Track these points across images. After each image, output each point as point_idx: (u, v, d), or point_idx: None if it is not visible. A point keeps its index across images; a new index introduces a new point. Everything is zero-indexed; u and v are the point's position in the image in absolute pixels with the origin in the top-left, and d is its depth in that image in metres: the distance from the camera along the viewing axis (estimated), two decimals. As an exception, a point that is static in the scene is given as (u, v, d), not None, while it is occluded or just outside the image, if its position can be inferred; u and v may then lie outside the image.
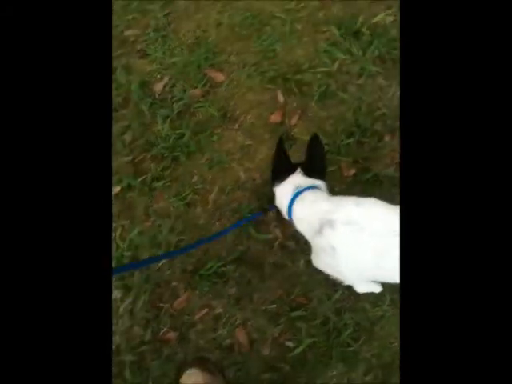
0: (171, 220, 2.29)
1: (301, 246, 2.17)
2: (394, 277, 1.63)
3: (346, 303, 2.06)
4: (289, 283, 2.12)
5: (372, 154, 2.29)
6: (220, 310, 2.12)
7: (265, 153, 2.39)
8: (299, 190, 1.79)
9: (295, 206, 1.77)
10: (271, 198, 2.27)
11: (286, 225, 2.22)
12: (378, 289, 1.95)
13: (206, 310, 2.12)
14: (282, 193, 1.84)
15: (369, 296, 2.05)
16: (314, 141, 1.85)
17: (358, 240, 1.60)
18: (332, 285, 2.07)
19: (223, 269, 2.16)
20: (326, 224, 1.64)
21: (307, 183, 1.80)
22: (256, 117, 2.46)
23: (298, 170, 1.84)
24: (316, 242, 1.72)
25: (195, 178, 2.37)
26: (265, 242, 2.19)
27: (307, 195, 1.76)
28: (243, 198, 2.31)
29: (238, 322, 2.09)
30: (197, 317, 2.12)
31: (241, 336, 2.07)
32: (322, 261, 1.79)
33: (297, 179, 1.82)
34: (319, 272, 2.08)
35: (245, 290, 2.13)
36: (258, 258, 2.18)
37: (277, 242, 2.18)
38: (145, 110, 2.52)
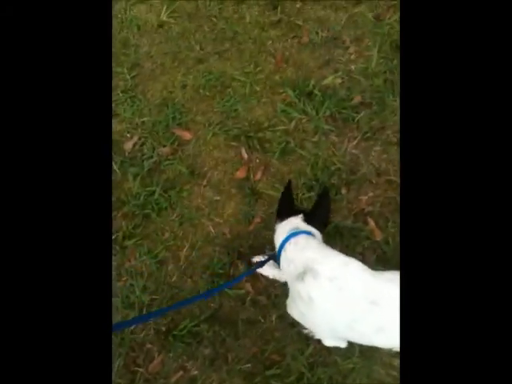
0: (143, 279, 1.74)
1: (272, 301, 1.69)
2: (366, 340, 1.29)
3: (319, 357, 1.58)
4: (262, 340, 1.62)
5: (331, 206, 1.84)
6: (195, 372, 1.59)
7: (233, 207, 1.89)
8: (295, 231, 1.41)
9: (288, 246, 1.37)
10: (241, 252, 1.80)
11: (256, 279, 1.73)
12: (343, 344, 1.48)
13: (181, 373, 1.59)
14: (280, 230, 1.45)
15: (339, 349, 1.58)
16: (324, 194, 1.50)
17: (335, 298, 1.23)
18: (305, 339, 1.60)
19: (197, 328, 1.63)
20: (309, 272, 1.27)
21: (304, 228, 1.43)
22: (223, 173, 1.96)
23: (301, 215, 1.46)
24: (296, 288, 1.30)
25: (166, 235, 1.83)
26: (237, 297, 1.69)
27: (300, 239, 1.39)
28: (214, 253, 1.79)
29: (214, 383, 1.57)
30: (172, 380, 1.58)
31: (218, 397, 1.56)
32: (298, 308, 1.35)
33: (296, 222, 1.44)
34: (292, 327, 1.62)
35: (219, 349, 1.62)
36: (231, 315, 1.66)
37: (249, 298, 1.68)
38: (115, 169, 1.96)
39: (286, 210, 1.50)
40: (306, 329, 1.61)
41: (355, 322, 1.24)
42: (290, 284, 1.39)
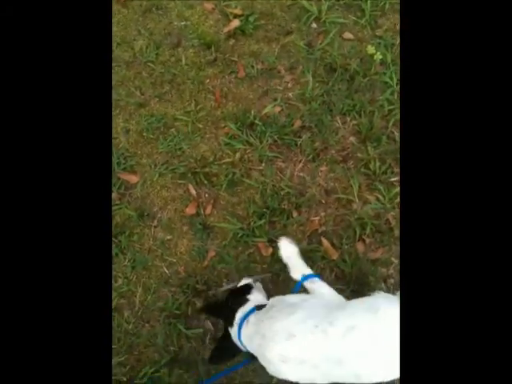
0: (98, 331, 1.70)
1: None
2: None
3: (285, 388, 1.56)
4: (227, 378, 1.61)
5: (284, 231, 1.90)
6: (161, 422, 1.54)
7: (185, 245, 1.92)
8: (238, 324, 1.39)
9: (247, 348, 1.37)
10: (197, 289, 1.79)
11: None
12: None
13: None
14: (233, 334, 1.42)
15: None
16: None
17: (302, 371, 1.21)
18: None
19: (157, 374, 1.62)
20: (266, 362, 1.27)
21: (239, 317, 1.40)
22: (172, 211, 2.00)
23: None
24: (268, 369, 1.29)
25: (119, 281, 1.83)
26: (196, 337, 1.68)
27: (244, 332, 1.36)
28: (170, 293, 1.79)
29: None
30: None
31: None
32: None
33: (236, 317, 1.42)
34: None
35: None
36: (191, 356, 1.65)
37: (208, 336, 1.67)
38: (62, 221, 1.96)
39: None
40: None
41: (329, 376, 1.22)
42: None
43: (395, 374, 1.20)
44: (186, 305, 1.77)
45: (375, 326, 1.20)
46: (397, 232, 1.86)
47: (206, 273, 1.85)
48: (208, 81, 2.34)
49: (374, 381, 1.29)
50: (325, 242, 1.87)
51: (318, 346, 1.20)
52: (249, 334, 1.33)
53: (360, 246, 1.86)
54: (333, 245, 1.88)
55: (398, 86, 2.15)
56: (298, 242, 1.91)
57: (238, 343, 1.38)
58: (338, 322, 1.22)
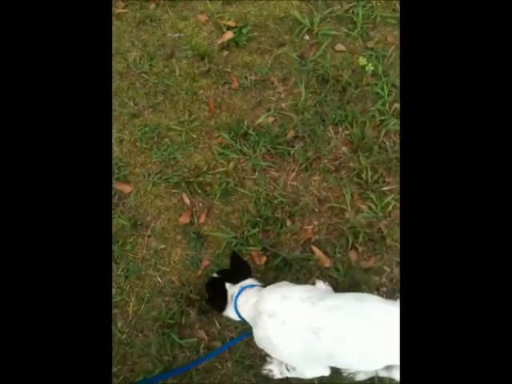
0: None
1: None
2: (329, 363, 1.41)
3: (279, 396, 1.57)
4: (208, 378, 1.60)
5: (277, 239, 1.92)
6: (154, 432, 1.54)
7: (179, 254, 1.93)
8: (234, 299, 1.53)
9: (241, 313, 1.50)
10: (191, 298, 1.80)
11: (210, 324, 1.73)
12: (326, 371, 1.47)
13: None
14: (230, 313, 1.55)
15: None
16: (234, 256, 1.64)
17: (282, 332, 1.33)
18: (264, 380, 1.59)
19: (151, 384, 1.60)
20: (257, 316, 1.41)
21: (237, 289, 1.55)
22: (166, 221, 2.01)
23: (227, 285, 1.57)
24: (257, 334, 1.42)
25: (113, 291, 1.83)
26: (190, 346, 1.68)
27: (240, 299, 1.52)
28: (163, 303, 1.80)
29: None
30: None
31: None
32: (266, 348, 1.45)
33: (230, 293, 1.55)
34: (249, 368, 1.62)
35: (177, 403, 1.58)
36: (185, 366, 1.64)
37: (202, 345, 1.68)
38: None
39: (217, 298, 1.56)
40: (264, 369, 1.62)
41: (308, 350, 1.33)
42: (255, 334, 1.48)
43: (368, 365, 1.31)
44: (179, 314, 1.78)
45: (359, 312, 1.30)
46: (389, 241, 1.89)
47: (200, 282, 1.85)
48: (202, 91, 2.37)
49: (344, 366, 1.39)
50: (317, 250, 1.89)
51: (303, 314, 1.32)
52: (246, 297, 1.47)
53: (353, 255, 1.88)
54: (326, 253, 1.90)
55: (390, 97, 2.20)
56: (291, 250, 1.96)
57: (232, 313, 1.50)
58: (327, 299, 1.36)
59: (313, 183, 2.07)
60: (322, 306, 1.34)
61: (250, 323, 1.47)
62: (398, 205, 1.97)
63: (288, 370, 1.56)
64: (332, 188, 2.06)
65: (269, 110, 2.27)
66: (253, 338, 1.51)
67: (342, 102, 2.21)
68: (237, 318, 1.52)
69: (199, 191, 2.06)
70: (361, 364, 1.32)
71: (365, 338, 1.25)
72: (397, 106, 2.18)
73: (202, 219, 2.01)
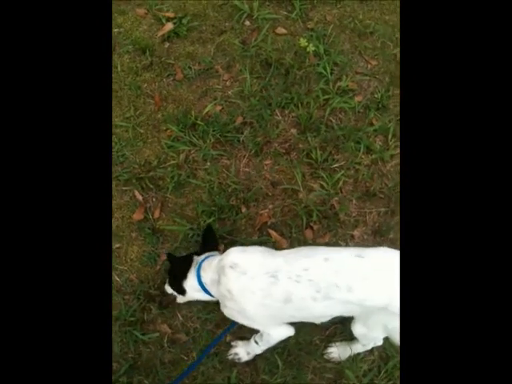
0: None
1: (192, 336, 1.72)
2: (289, 314, 1.45)
3: (247, 380, 1.61)
4: (189, 378, 1.64)
5: (234, 226, 1.94)
6: (124, 429, 1.54)
7: (136, 251, 1.92)
8: (198, 264, 1.58)
9: (202, 279, 1.53)
10: (151, 294, 1.79)
11: (173, 317, 1.74)
12: (291, 331, 1.54)
13: None
14: (190, 280, 1.57)
15: (264, 366, 1.63)
16: (208, 229, 1.71)
17: (243, 282, 1.41)
18: (229, 366, 1.61)
19: (117, 384, 1.60)
20: (220, 272, 1.46)
21: (201, 257, 1.61)
22: (120, 219, 1.99)
23: (194, 257, 1.62)
24: (220, 292, 1.46)
25: (71, 296, 1.79)
26: (154, 341, 1.69)
27: (205, 263, 1.57)
28: (122, 301, 1.78)
29: None
30: None
31: None
32: (229, 307, 1.49)
33: (195, 261, 1.60)
34: (214, 356, 1.63)
35: (144, 398, 1.58)
36: (150, 361, 1.65)
37: (166, 339, 1.69)
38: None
39: (180, 271, 1.60)
40: (230, 354, 1.64)
41: (266, 298, 1.38)
42: (218, 296, 1.53)
43: (323, 308, 1.33)
44: (140, 311, 1.76)
45: (311, 254, 1.40)
46: (342, 216, 1.93)
47: (159, 277, 1.85)
48: (146, 85, 2.34)
49: (303, 315, 1.44)
50: (273, 233, 1.92)
51: (262, 262, 1.41)
52: (210, 261, 1.53)
53: (308, 233, 1.92)
54: (282, 235, 1.93)
55: (332, 76, 2.24)
56: (248, 236, 1.98)
57: (192, 280, 1.53)
58: (282, 251, 1.48)
59: (265, 167, 2.09)
60: (278, 254, 1.47)
61: (210, 289, 1.51)
62: (348, 180, 2.03)
63: (256, 342, 1.58)
64: (284, 170, 2.08)
65: (215, 99, 2.27)
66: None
67: (286, 84, 2.23)
68: (194, 288, 1.54)
69: (151, 186, 2.04)
70: (317, 306, 1.34)
71: (317, 274, 1.31)
72: (340, 84, 2.23)
73: (157, 214, 1.99)
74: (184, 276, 1.56)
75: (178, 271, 1.59)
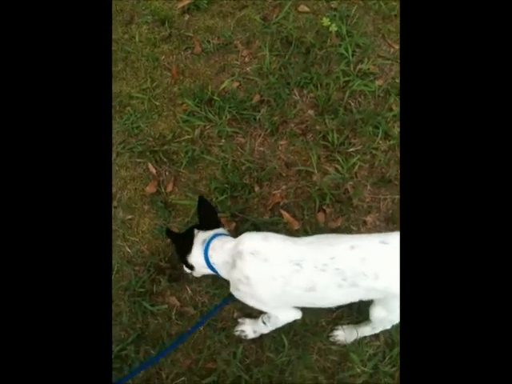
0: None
1: (199, 310, 1.74)
2: (305, 301, 1.46)
3: (252, 357, 1.63)
4: (195, 351, 1.67)
5: (246, 205, 1.94)
6: (130, 397, 1.58)
7: (147, 224, 1.93)
8: (206, 243, 1.53)
9: (211, 258, 1.49)
10: (161, 267, 1.81)
11: (182, 290, 1.76)
12: (298, 314, 1.53)
13: (115, 401, 1.56)
14: (195, 257, 1.54)
15: (270, 344, 1.65)
16: (201, 201, 1.63)
17: (264, 269, 1.38)
18: (235, 341, 1.64)
19: (124, 352, 1.64)
20: (236, 256, 1.43)
21: (210, 234, 1.55)
22: (132, 191, 2.00)
23: (196, 231, 1.58)
24: (233, 276, 1.45)
25: (81, 264, 1.81)
26: (162, 313, 1.71)
27: (215, 243, 1.53)
28: (133, 272, 1.80)
29: (150, 404, 1.57)
30: (105, 412, 1.54)
31: (157, 418, 1.55)
32: (242, 291, 1.47)
33: (200, 237, 1.55)
34: (221, 331, 1.65)
35: (151, 369, 1.64)
36: (158, 332, 1.68)
37: (174, 311, 1.71)
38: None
39: (183, 244, 1.57)
40: (236, 331, 1.66)
41: (287, 285, 1.37)
42: (229, 278, 1.51)
43: (347, 294, 1.33)
44: (150, 283, 1.79)
45: (336, 243, 1.36)
46: (355, 201, 1.93)
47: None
48: (163, 57, 2.31)
49: (322, 301, 1.43)
50: (285, 214, 1.92)
51: (286, 250, 1.38)
52: (222, 242, 1.49)
53: (320, 217, 1.92)
54: (294, 216, 1.93)
55: (354, 58, 2.20)
56: (259, 215, 1.98)
57: (199, 258, 1.50)
58: (305, 238, 1.44)
59: (280, 148, 2.08)
60: (301, 242, 1.43)
61: (220, 269, 1.50)
62: (364, 165, 2.01)
63: (264, 322, 1.59)
64: (299, 151, 2.07)
65: (233, 75, 2.25)
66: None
67: (306, 64, 2.20)
68: (200, 264, 1.52)
69: (165, 160, 2.05)
70: (340, 293, 1.35)
71: (344, 263, 1.30)
72: (361, 66, 2.20)
73: (169, 188, 2.00)
74: (188, 251, 1.54)
75: (180, 247, 1.58)
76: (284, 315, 1.54)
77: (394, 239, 1.31)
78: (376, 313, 1.46)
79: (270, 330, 1.63)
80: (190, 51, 2.30)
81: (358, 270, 1.27)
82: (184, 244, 1.56)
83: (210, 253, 1.50)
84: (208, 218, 1.59)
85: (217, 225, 1.59)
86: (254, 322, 1.67)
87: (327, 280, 1.30)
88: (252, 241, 1.44)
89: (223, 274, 1.52)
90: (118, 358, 1.62)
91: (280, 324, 1.58)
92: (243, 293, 1.47)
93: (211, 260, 1.50)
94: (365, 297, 1.37)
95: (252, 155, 2.05)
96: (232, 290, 1.51)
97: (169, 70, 2.25)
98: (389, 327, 1.59)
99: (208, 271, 1.56)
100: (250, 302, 1.51)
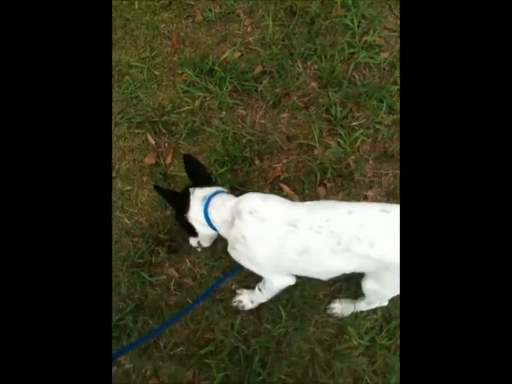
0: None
1: (198, 281, 1.74)
2: (299, 267, 1.44)
3: (250, 328, 1.65)
4: (193, 321, 1.69)
5: (246, 178, 1.92)
6: (128, 366, 1.61)
7: (146, 195, 1.92)
8: (206, 199, 1.50)
9: (210, 215, 1.47)
10: (160, 238, 1.81)
11: (181, 262, 1.76)
12: (292, 280, 1.53)
13: (114, 368, 1.60)
14: (195, 215, 1.51)
15: (268, 316, 1.66)
16: (187, 160, 1.57)
17: (260, 228, 1.38)
18: (233, 312, 1.65)
19: (123, 321, 1.66)
20: (236, 215, 1.42)
21: (211, 191, 1.53)
22: (131, 162, 1.98)
23: (191, 189, 1.54)
24: (231, 235, 1.44)
25: (79, 234, 1.81)
26: (161, 284, 1.72)
27: (216, 200, 1.50)
28: (132, 243, 1.80)
29: (148, 373, 1.60)
30: (104, 379, 1.57)
31: (155, 387, 1.58)
32: (239, 251, 1.46)
33: (198, 195, 1.52)
34: (219, 302, 1.66)
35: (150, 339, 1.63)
36: (156, 303, 1.69)
37: (173, 282, 1.71)
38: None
39: (180, 204, 1.53)
40: (234, 302, 1.68)
41: (281, 247, 1.36)
42: (227, 237, 1.50)
43: (341, 261, 1.31)
44: (148, 254, 1.79)
45: (334, 206, 1.36)
46: (357, 176, 1.91)
47: (169, 222, 1.86)
48: (163, 26, 2.26)
49: (315, 267, 1.42)
50: (286, 188, 1.90)
51: (283, 211, 1.37)
52: (223, 200, 1.47)
53: (321, 191, 1.91)
54: (294, 190, 1.91)
55: (359, 29, 2.15)
56: (260, 188, 1.97)
57: (198, 215, 1.48)
58: (305, 203, 1.44)
59: (281, 120, 2.05)
60: (300, 204, 1.44)
61: (219, 227, 1.48)
62: (367, 139, 1.99)
63: (260, 289, 1.59)
64: (301, 125, 2.04)
65: (235, 45, 2.19)
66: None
67: (310, 34, 2.15)
68: (199, 221, 1.49)
69: (164, 131, 2.02)
70: (333, 259, 1.33)
71: (340, 226, 1.29)
72: (366, 38, 2.14)
73: (169, 160, 1.97)
74: (185, 208, 1.50)
75: (175, 204, 1.55)
76: (278, 280, 1.53)
77: (395, 209, 1.29)
78: (368, 285, 1.46)
79: (267, 298, 1.64)
80: (190, 20, 2.24)
81: (354, 235, 1.26)
82: (180, 201, 1.52)
83: (210, 210, 1.48)
84: (198, 175, 1.55)
85: (208, 180, 1.56)
86: (251, 292, 1.67)
87: (321, 243, 1.29)
88: (251, 200, 1.44)
89: (222, 232, 1.50)
90: (117, 327, 1.64)
91: (275, 289, 1.57)
92: (240, 253, 1.46)
93: (211, 217, 1.48)
94: (358, 266, 1.35)
95: (253, 128, 2.02)
96: (229, 249, 1.51)
97: (169, 39, 2.20)
98: (385, 304, 1.60)
99: (207, 230, 1.52)
100: (246, 264, 1.50)
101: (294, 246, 1.32)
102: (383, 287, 1.42)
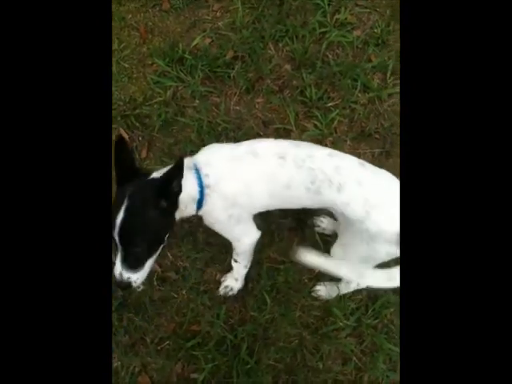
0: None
1: (181, 274, 1.74)
2: (285, 201, 1.44)
3: (235, 317, 1.66)
4: (179, 315, 1.68)
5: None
6: (117, 364, 1.61)
7: (123, 191, 1.89)
8: (193, 169, 1.36)
9: (206, 176, 1.35)
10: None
11: (163, 257, 1.75)
12: (258, 233, 1.51)
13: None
14: (188, 187, 1.31)
15: (253, 303, 1.67)
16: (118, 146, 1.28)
17: (254, 163, 1.37)
18: (218, 303, 1.66)
19: (108, 320, 1.64)
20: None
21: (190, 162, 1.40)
22: (106, 159, 1.94)
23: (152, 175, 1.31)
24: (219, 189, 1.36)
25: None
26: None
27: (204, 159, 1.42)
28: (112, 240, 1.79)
29: (137, 369, 1.61)
30: (92, 379, 1.58)
31: (145, 383, 1.58)
32: (237, 207, 1.39)
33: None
34: (204, 293, 1.67)
35: (135, 335, 1.66)
36: (140, 299, 1.69)
37: (155, 277, 1.71)
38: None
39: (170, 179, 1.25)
40: (221, 290, 1.70)
41: (271, 182, 1.35)
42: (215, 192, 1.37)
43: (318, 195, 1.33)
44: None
45: (316, 147, 1.40)
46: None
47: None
48: (130, 16, 2.21)
49: (296, 201, 1.42)
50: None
51: (275, 147, 1.39)
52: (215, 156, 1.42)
53: (300, 174, 1.91)
54: (274, 176, 1.92)
55: (330, 7, 2.13)
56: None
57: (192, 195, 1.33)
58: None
59: (256, 106, 2.03)
60: (288, 142, 1.45)
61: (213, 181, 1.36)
62: (343, 120, 1.98)
63: (235, 260, 1.60)
64: (276, 109, 2.03)
65: (204, 31, 2.16)
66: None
67: (280, 15, 2.12)
68: (192, 196, 1.33)
69: (137, 124, 1.98)
70: (306, 198, 1.36)
71: (318, 164, 1.32)
72: (338, 16, 2.12)
73: (144, 154, 1.95)
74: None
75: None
76: (245, 238, 1.50)
77: (374, 168, 1.34)
78: (334, 252, 1.49)
79: (246, 266, 1.64)
80: (158, 8, 2.20)
81: (327, 175, 1.29)
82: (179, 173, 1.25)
83: (204, 172, 1.35)
84: (126, 170, 1.31)
85: (136, 172, 1.32)
86: (231, 273, 1.68)
87: (300, 178, 1.32)
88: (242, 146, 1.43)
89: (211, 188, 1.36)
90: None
91: (248, 249, 1.54)
92: (230, 196, 1.36)
93: (206, 181, 1.34)
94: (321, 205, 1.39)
95: (228, 115, 2.01)
96: (214, 216, 1.41)
97: (137, 30, 2.16)
98: (363, 286, 1.60)
99: (193, 206, 1.37)
100: (228, 226, 1.44)
101: (280, 181, 1.34)
102: (347, 254, 1.44)
